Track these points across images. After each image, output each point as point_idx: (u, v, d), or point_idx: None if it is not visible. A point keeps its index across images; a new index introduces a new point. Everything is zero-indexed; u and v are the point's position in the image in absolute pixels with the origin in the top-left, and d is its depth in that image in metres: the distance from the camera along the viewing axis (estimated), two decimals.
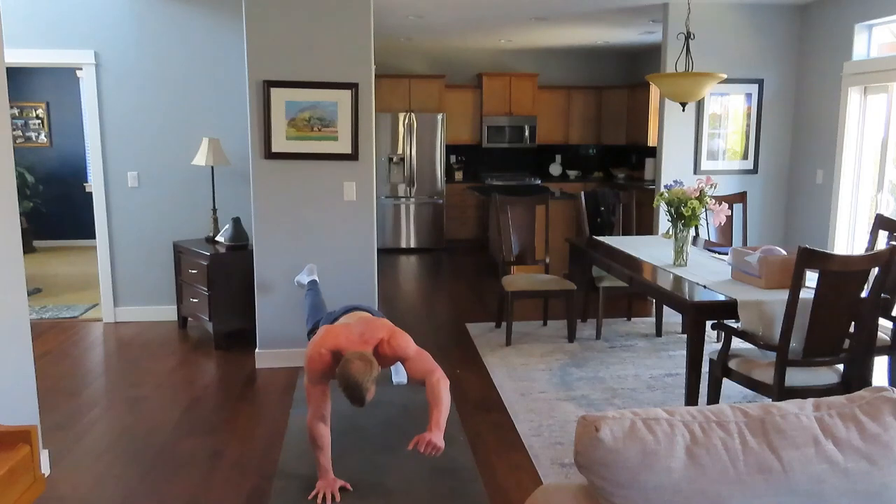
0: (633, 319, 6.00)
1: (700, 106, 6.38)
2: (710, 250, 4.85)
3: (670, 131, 6.38)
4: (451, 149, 10.05)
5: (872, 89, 5.69)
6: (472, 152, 10.18)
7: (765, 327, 3.45)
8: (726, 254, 4.61)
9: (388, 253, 9.31)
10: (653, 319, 5.97)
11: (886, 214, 4.91)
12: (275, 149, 4.57)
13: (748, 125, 6.50)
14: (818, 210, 6.23)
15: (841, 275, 3.11)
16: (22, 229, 3.30)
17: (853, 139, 5.83)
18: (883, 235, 4.39)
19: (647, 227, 7.86)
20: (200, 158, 5.42)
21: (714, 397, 3.66)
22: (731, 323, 3.63)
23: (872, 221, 4.44)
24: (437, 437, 2.53)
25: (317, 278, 4.27)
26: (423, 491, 2.68)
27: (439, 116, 9.29)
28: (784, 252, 3.79)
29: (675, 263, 4.35)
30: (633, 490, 1.38)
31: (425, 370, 2.76)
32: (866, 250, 4.33)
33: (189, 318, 5.77)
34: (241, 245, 5.29)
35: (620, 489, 1.39)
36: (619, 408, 4.01)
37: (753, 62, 6.40)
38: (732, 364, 3.52)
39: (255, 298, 4.77)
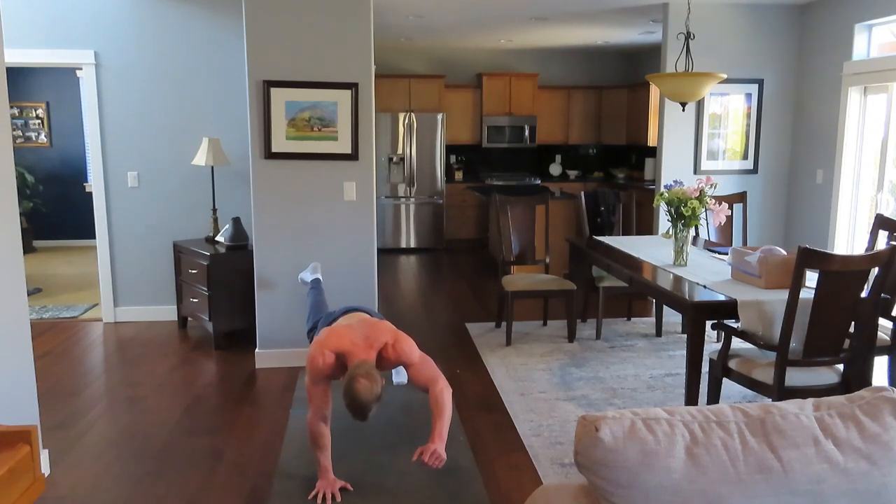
0: (633, 319, 6.00)
1: (700, 106, 6.38)
2: (710, 250, 4.85)
3: (670, 131, 6.38)
4: (451, 149, 10.05)
5: (872, 89, 5.69)
6: (472, 152, 10.18)
7: (765, 327, 3.45)
8: (726, 254, 4.61)
9: (388, 253, 9.31)
10: (653, 319, 5.97)
11: (886, 214, 4.91)
12: (275, 149, 4.57)
13: (748, 125, 6.49)
14: (818, 210, 6.23)
15: (841, 275, 3.11)
16: (22, 229, 3.30)
17: (853, 139, 5.83)
18: (883, 235, 4.39)
19: (647, 227, 7.86)
20: (200, 158, 5.42)
21: (714, 397, 3.66)
22: (731, 323, 3.63)
23: (872, 221, 4.44)
24: (440, 447, 2.54)
25: (320, 277, 4.27)
26: (423, 491, 2.67)
27: (439, 116, 9.29)
28: (784, 252, 3.79)
29: (675, 263, 4.35)
30: (633, 490, 1.38)
31: (429, 378, 2.75)
32: (866, 250, 4.33)
33: (189, 318, 5.77)
34: (241, 245, 5.29)
35: (620, 489, 1.39)
36: (619, 408, 4.01)
37: (753, 62, 6.40)
38: (732, 364, 3.52)
39: (256, 298, 4.77)
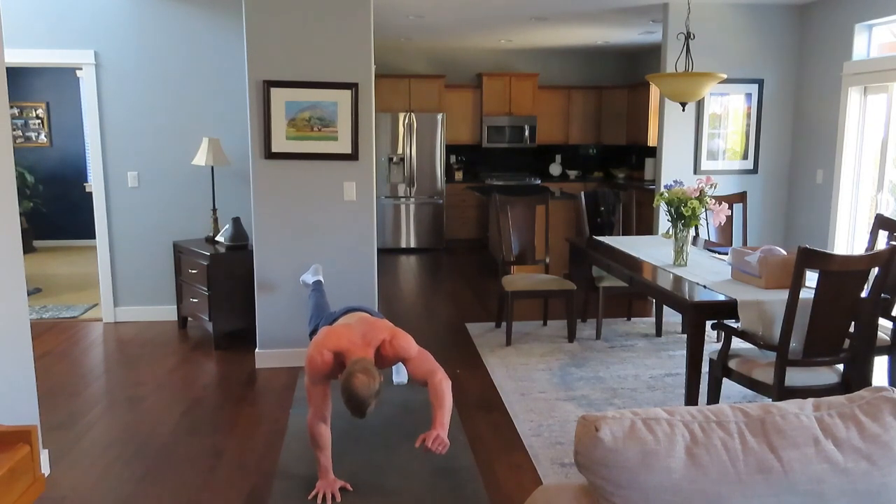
0: (633, 319, 6.00)
1: (700, 106, 6.38)
2: (710, 250, 4.85)
3: (670, 131, 6.38)
4: (451, 149, 10.05)
5: (872, 89, 5.69)
6: (472, 152, 10.18)
7: (765, 327, 3.45)
8: (726, 254, 4.61)
9: (388, 253, 9.31)
10: (653, 319, 5.97)
11: (886, 214, 4.91)
12: (275, 149, 4.57)
13: (748, 125, 6.49)
14: (818, 210, 6.23)
15: (841, 275, 3.11)
16: (22, 229, 3.30)
17: (853, 139, 5.83)
18: (883, 235, 4.39)
19: (647, 227, 7.86)
20: (200, 158, 5.42)
21: (714, 397, 3.66)
22: (731, 323, 3.63)
23: (872, 221, 4.44)
24: (443, 434, 2.55)
25: (322, 279, 4.27)
26: (423, 491, 2.67)
27: (439, 116, 9.29)
28: (784, 252, 3.79)
29: (675, 263, 4.35)
30: (633, 490, 1.38)
31: (427, 370, 2.76)
32: (866, 250, 4.33)
33: (189, 318, 5.77)
34: (241, 245, 5.29)
35: (620, 489, 1.39)
36: (619, 408, 4.01)
37: (753, 62, 6.40)
38: (732, 364, 3.52)
39: (256, 298, 4.77)
